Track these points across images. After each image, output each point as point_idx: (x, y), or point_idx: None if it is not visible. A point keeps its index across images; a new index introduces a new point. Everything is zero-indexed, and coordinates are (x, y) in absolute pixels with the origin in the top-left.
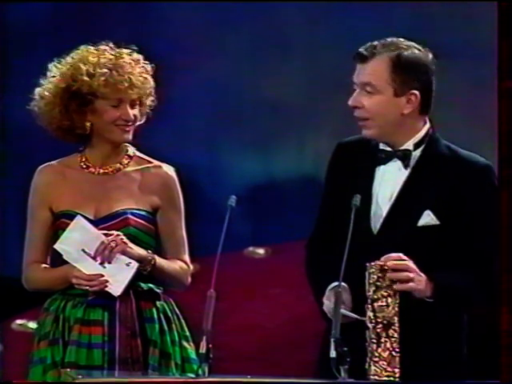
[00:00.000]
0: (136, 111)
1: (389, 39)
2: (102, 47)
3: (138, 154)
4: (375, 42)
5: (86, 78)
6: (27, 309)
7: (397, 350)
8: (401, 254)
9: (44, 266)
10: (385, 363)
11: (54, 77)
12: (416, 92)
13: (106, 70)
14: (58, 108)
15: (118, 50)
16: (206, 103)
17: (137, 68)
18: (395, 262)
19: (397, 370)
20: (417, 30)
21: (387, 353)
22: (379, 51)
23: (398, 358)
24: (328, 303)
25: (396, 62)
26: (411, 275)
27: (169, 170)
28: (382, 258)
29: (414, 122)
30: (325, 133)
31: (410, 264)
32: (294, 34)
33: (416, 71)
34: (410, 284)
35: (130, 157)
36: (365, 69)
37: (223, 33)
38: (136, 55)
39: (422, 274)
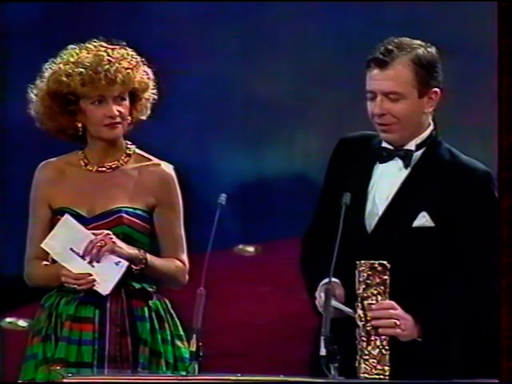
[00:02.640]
0: (122, 107)
1: (396, 40)
2: (88, 45)
3: (138, 151)
4: (388, 46)
5: (64, 79)
6: (17, 307)
7: (386, 348)
8: (391, 302)
9: (44, 262)
10: (374, 361)
11: (42, 79)
12: (437, 89)
13: (81, 69)
14: (42, 110)
15: (98, 47)
16: (195, 102)
17: (120, 63)
18: (379, 312)
19: (386, 368)
20: (407, 25)
21: (377, 351)
22: (397, 55)
23: (387, 356)
24: (320, 297)
25: (418, 63)
26: (398, 322)
27: (167, 167)
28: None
29: (424, 122)
30: (315, 131)
31: (395, 311)
32: (283, 32)
33: (434, 68)
34: (397, 330)
35: (129, 155)
36: (386, 76)
37: (213, 31)
38: (121, 51)
39: (407, 317)
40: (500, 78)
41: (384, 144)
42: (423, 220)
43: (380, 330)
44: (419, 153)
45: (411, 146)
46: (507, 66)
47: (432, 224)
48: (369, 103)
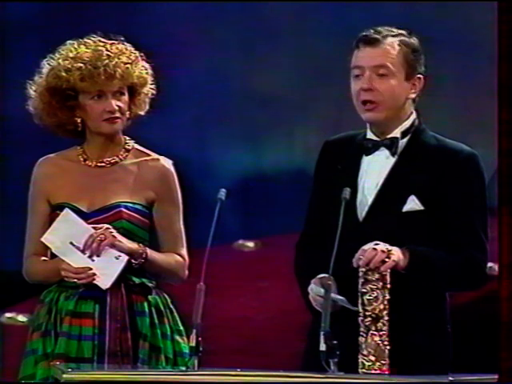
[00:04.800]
0: (121, 102)
1: (384, 27)
2: (86, 40)
3: (136, 146)
4: (377, 28)
5: (63, 74)
6: (17, 302)
7: (385, 343)
8: (364, 248)
9: (43, 258)
10: (373, 356)
11: (40, 75)
12: (421, 76)
13: (80, 64)
14: (41, 106)
15: (97, 42)
16: (195, 96)
17: (119, 58)
18: (364, 259)
19: (385, 363)
20: (406, 18)
21: (375, 346)
22: (387, 35)
23: (386, 352)
24: (314, 287)
25: (406, 45)
26: (385, 248)
27: (166, 162)
28: (354, 261)
29: (407, 109)
30: (314, 126)
31: (379, 246)
32: (283, 26)
33: (420, 56)
34: (392, 258)
35: (128, 150)
36: (376, 52)
37: (212, 25)
38: (120, 46)
39: (393, 247)
40: (499, 78)
41: (369, 135)
42: (412, 204)
43: (383, 267)
44: (404, 140)
45: (396, 133)
46: (506, 59)
47: (421, 207)
48: (354, 82)
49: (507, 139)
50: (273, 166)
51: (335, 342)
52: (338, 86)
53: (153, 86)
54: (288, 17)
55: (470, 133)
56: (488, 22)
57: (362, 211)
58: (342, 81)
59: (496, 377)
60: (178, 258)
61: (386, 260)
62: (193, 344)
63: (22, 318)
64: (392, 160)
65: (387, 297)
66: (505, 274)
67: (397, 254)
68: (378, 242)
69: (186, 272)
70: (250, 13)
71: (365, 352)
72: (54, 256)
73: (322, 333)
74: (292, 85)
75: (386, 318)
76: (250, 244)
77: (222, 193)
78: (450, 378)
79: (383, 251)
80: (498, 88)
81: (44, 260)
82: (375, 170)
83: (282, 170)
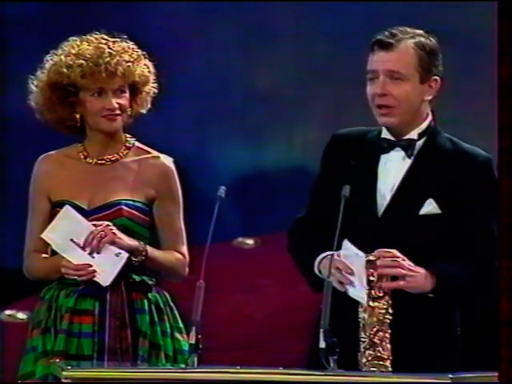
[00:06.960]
0: (122, 100)
1: (399, 27)
2: (89, 37)
3: (137, 144)
4: (392, 30)
5: (64, 70)
6: (17, 299)
7: (375, 340)
8: (394, 251)
9: (43, 255)
10: (371, 353)
11: (42, 70)
12: (438, 78)
13: (82, 61)
14: (42, 101)
15: (100, 40)
16: (195, 94)
17: (121, 56)
18: (385, 260)
19: (381, 360)
20: (408, 17)
21: (373, 342)
22: (402, 38)
23: (381, 349)
24: (325, 272)
25: (421, 48)
26: (403, 271)
27: (167, 160)
28: (375, 252)
29: (423, 111)
30: (314, 124)
31: (403, 261)
32: (283, 24)
33: (436, 56)
34: (400, 282)
35: (129, 147)
36: (390, 56)
37: (213, 24)
38: (122, 44)
39: (419, 270)
40: (499, 77)
41: (384, 135)
42: (430, 207)
43: (384, 284)
44: (421, 142)
45: (413, 135)
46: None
47: (439, 211)
48: (369, 85)
49: (508, 137)
50: (272, 163)
51: (335, 339)
52: (337, 85)
53: (155, 85)
54: (288, 15)
55: (470, 132)
56: (488, 21)
57: (378, 212)
58: (341, 79)
59: (496, 374)
60: (179, 255)
61: (402, 272)
62: (192, 341)
63: (21, 315)
64: (408, 162)
65: (381, 294)
66: (504, 273)
67: (414, 279)
68: (405, 258)
69: (187, 270)
70: (250, 11)
71: (362, 349)
72: (54, 253)
73: (321, 330)
74: (292, 83)
75: (382, 314)
76: (250, 241)
77: (222, 190)
78: (450, 376)
79: (400, 271)
80: (498, 86)
81: (44, 257)
82: (392, 170)
83: (281, 167)
